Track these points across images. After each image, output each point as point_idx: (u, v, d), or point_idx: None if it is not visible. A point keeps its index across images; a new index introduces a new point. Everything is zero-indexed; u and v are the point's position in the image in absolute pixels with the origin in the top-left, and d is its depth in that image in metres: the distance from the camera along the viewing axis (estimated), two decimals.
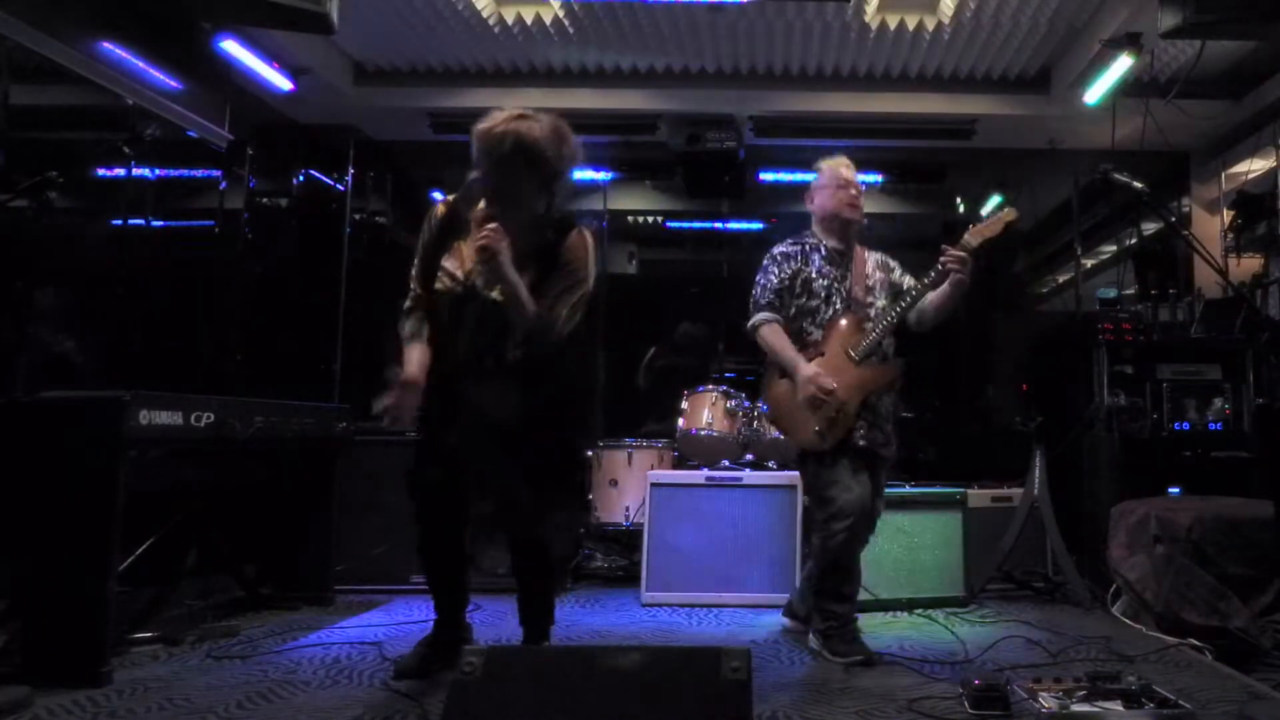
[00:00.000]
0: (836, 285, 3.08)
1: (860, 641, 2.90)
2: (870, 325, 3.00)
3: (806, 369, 2.92)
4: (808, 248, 3.15)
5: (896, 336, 3.09)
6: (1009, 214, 2.93)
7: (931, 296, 2.98)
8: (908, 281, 3.17)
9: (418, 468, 2.53)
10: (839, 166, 3.18)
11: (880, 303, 3.09)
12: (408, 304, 2.56)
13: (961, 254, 2.84)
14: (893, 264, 3.25)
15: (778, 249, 3.17)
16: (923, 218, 6.88)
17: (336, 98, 5.19)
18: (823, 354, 2.99)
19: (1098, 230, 6.69)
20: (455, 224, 2.49)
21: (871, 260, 3.20)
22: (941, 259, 2.87)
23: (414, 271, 2.56)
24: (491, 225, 2.30)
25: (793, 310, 3.08)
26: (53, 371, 3.60)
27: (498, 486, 2.42)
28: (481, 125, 2.38)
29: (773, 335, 3.04)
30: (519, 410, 2.35)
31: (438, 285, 2.47)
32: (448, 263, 2.48)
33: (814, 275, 3.07)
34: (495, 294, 2.39)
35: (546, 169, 2.40)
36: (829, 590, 2.98)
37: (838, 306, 3.05)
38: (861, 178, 3.20)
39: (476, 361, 2.41)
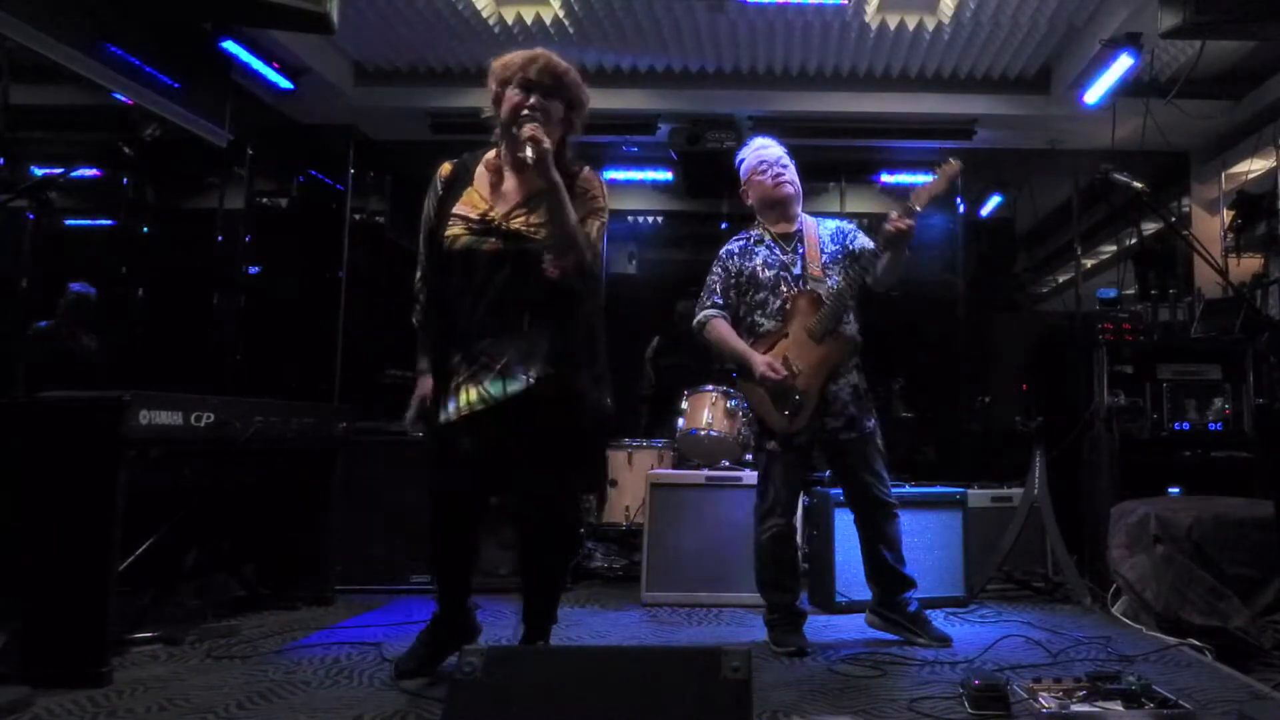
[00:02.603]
0: (784, 272, 3.10)
1: (800, 633, 3.02)
2: (825, 301, 3.01)
3: (757, 359, 2.99)
4: (752, 240, 3.20)
5: (868, 309, 3.18)
6: (952, 165, 2.91)
7: (882, 259, 2.99)
8: (867, 245, 3.14)
9: (441, 472, 2.42)
10: (754, 150, 3.23)
11: (837, 275, 3.09)
12: (418, 282, 2.47)
13: (909, 223, 2.88)
14: (848, 229, 3.23)
15: (724, 248, 3.24)
16: (922, 217, 6.87)
17: (336, 98, 5.19)
18: (786, 335, 3.04)
19: (1098, 230, 6.69)
20: (463, 178, 2.43)
21: (825, 233, 3.20)
22: (887, 227, 2.88)
23: (421, 240, 2.47)
24: (531, 121, 2.23)
25: (742, 309, 3.14)
26: (53, 371, 3.61)
27: (519, 475, 2.38)
28: (501, 59, 2.37)
29: (720, 329, 3.10)
30: (542, 371, 2.28)
31: (448, 233, 2.34)
32: (458, 209, 2.37)
33: (760, 267, 3.11)
34: (516, 224, 2.31)
35: (569, 94, 2.37)
36: (769, 582, 3.10)
37: (785, 293, 3.06)
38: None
39: (496, 314, 2.30)
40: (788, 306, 3.06)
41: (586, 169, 2.46)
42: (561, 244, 2.25)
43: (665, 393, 5.53)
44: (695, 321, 3.17)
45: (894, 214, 2.90)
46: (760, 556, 3.10)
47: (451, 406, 2.32)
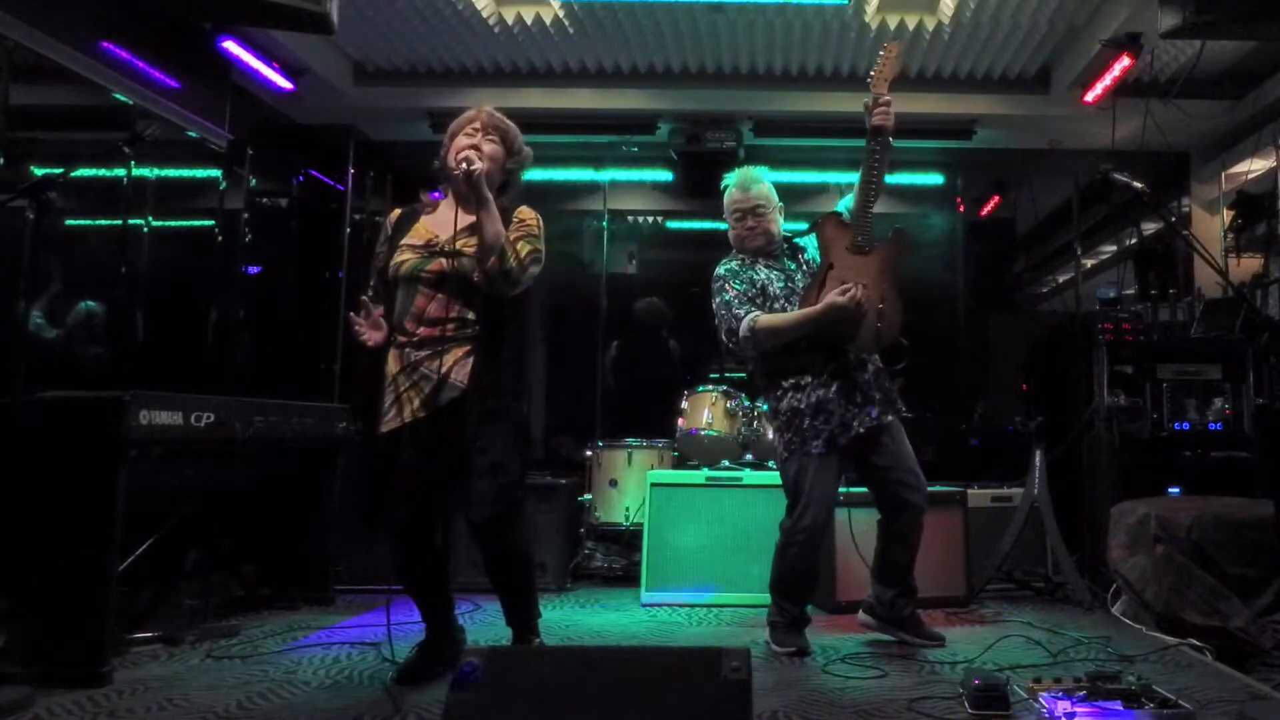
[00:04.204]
0: (790, 284, 3.10)
1: (803, 634, 3.01)
2: (855, 216, 2.98)
3: (826, 300, 2.89)
4: (748, 263, 3.16)
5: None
6: (895, 46, 2.98)
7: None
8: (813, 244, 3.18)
9: (390, 480, 2.49)
10: (731, 191, 3.19)
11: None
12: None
13: (888, 105, 2.93)
14: (799, 244, 3.24)
15: (722, 268, 3.17)
16: (922, 218, 6.88)
17: (336, 98, 5.18)
18: (831, 267, 2.97)
19: (1098, 230, 6.68)
20: (411, 219, 2.66)
21: (809, 250, 3.21)
22: (876, 118, 2.93)
23: (373, 276, 2.66)
24: (470, 150, 2.50)
25: None
26: (53, 371, 3.60)
27: (454, 479, 2.46)
28: (454, 121, 2.67)
29: (767, 317, 3.00)
30: (472, 381, 2.44)
31: (396, 260, 2.54)
32: (407, 241, 2.58)
33: (767, 282, 3.09)
34: (458, 245, 2.50)
35: (510, 146, 2.65)
36: (786, 590, 3.05)
37: (798, 305, 3.03)
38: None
39: (434, 328, 2.48)
40: (818, 234, 3.05)
41: (526, 208, 2.65)
42: (486, 250, 2.44)
43: (626, 400, 5.58)
44: (741, 335, 3.00)
45: (869, 105, 2.95)
46: (782, 565, 3.04)
47: (393, 414, 2.46)
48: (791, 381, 3.02)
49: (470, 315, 2.50)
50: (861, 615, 3.23)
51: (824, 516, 2.98)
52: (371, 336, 2.50)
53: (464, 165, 2.43)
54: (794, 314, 2.99)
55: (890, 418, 3.04)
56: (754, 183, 3.16)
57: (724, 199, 3.23)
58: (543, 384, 7.09)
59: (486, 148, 2.56)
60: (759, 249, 3.16)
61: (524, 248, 2.51)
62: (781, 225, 3.21)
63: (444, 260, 2.50)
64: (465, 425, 2.42)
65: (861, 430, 2.97)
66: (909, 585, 3.12)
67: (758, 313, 3.01)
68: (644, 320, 5.65)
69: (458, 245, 2.51)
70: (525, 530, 2.64)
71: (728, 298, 3.07)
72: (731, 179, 3.21)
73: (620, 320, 5.87)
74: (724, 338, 3.11)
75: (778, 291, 3.08)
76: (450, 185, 2.63)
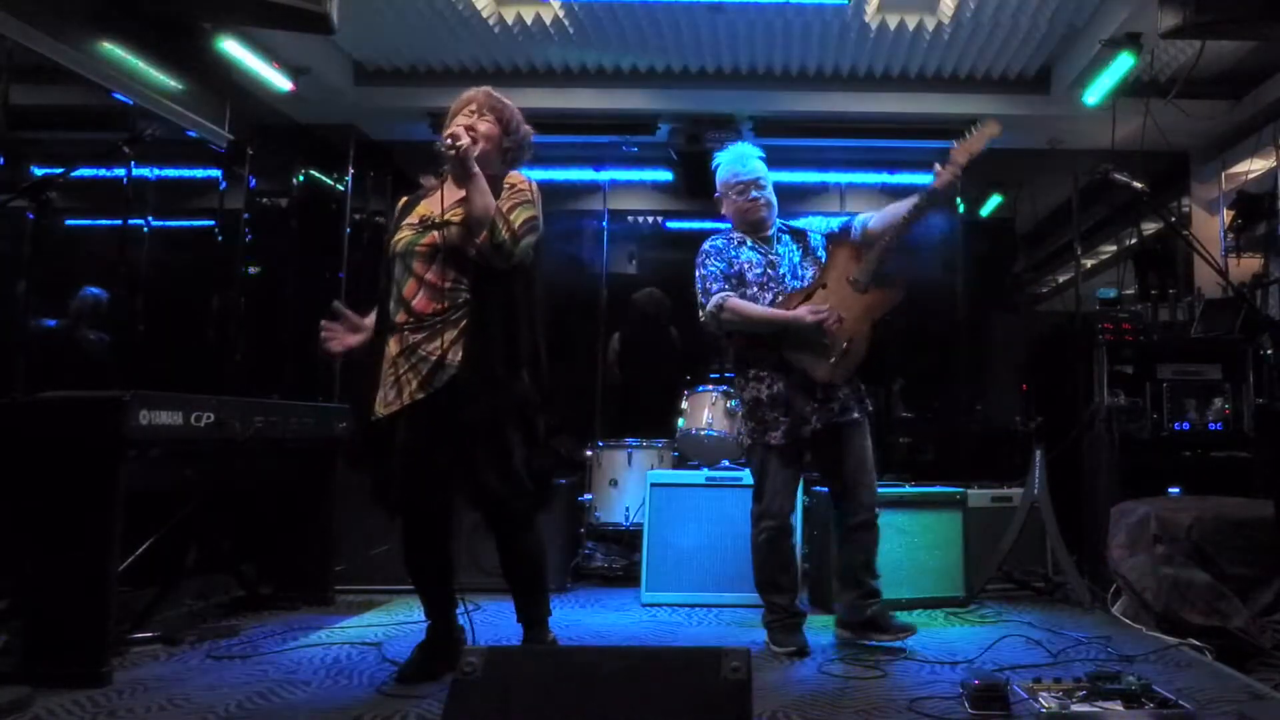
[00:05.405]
0: (771, 270, 3.13)
1: (801, 633, 3.02)
2: (867, 251, 3.04)
3: (798, 311, 2.96)
4: (735, 241, 3.20)
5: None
6: (992, 127, 3.02)
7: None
8: (821, 242, 3.23)
9: (384, 477, 2.49)
10: (731, 162, 3.21)
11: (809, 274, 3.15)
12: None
13: (956, 171, 3.00)
14: (800, 229, 3.27)
15: (708, 244, 3.21)
16: (920, 219, 6.87)
17: (336, 98, 5.19)
18: (824, 286, 3.03)
19: (1098, 230, 6.68)
20: (414, 202, 2.70)
21: (812, 231, 3.27)
22: (936, 184, 3.01)
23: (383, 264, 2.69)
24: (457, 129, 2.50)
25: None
26: (58, 371, 3.61)
27: (456, 461, 2.45)
28: (452, 105, 2.69)
29: (739, 302, 3.06)
30: (465, 358, 2.45)
31: (394, 239, 2.58)
32: (407, 220, 2.63)
33: (746, 266, 3.13)
34: (449, 216, 2.53)
35: (507, 125, 2.66)
36: (768, 583, 3.09)
37: (774, 289, 3.08)
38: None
39: (430, 304, 2.48)
40: (828, 252, 3.11)
41: (518, 173, 2.67)
42: (474, 224, 2.45)
43: (631, 393, 5.57)
44: (709, 310, 3.07)
45: (939, 168, 3.01)
46: (757, 557, 3.10)
47: (394, 396, 2.47)
48: (754, 372, 3.09)
49: (464, 285, 2.50)
50: (836, 630, 3.18)
51: (788, 505, 3.06)
52: (344, 341, 2.59)
53: (449, 139, 2.44)
54: (765, 309, 3.05)
55: (853, 415, 3.08)
56: (751, 157, 3.22)
57: (719, 176, 3.24)
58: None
59: (482, 127, 2.59)
60: (759, 222, 3.19)
61: (517, 216, 2.50)
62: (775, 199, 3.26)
63: (437, 233, 2.53)
64: (463, 405, 2.42)
65: (820, 426, 3.02)
66: (869, 588, 3.08)
67: (731, 293, 3.07)
68: (645, 310, 5.64)
69: (448, 217, 2.54)
70: (539, 520, 2.65)
71: (706, 272, 3.14)
72: (725, 156, 3.25)
73: (621, 320, 5.86)
74: (699, 311, 3.18)
75: (754, 279, 3.11)
76: (448, 166, 2.64)
